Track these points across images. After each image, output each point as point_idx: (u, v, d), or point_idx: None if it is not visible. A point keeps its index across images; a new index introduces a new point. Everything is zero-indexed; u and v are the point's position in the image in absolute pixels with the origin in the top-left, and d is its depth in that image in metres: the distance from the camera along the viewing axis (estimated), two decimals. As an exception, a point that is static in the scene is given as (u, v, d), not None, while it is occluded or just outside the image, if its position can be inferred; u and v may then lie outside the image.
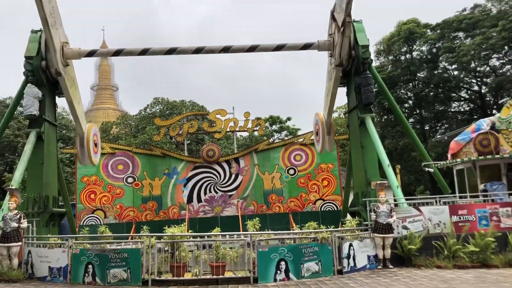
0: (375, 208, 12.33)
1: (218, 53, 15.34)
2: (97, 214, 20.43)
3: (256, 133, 26.54)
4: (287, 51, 15.82)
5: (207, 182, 21.53)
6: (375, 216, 12.24)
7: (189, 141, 37.19)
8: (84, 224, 19.87)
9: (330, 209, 21.42)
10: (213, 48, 15.18)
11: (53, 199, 15.04)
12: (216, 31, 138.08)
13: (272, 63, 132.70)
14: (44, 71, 14.49)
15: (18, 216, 11.55)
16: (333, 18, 15.20)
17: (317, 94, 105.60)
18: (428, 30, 39.67)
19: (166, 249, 11.35)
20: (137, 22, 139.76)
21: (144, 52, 15.14)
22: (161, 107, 46.17)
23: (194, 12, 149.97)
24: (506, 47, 34.53)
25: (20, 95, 15.00)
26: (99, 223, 19.82)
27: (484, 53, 34.98)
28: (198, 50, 15.16)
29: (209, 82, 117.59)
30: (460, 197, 14.74)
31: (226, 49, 15.13)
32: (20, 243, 11.50)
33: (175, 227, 11.45)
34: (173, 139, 36.00)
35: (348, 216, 16.91)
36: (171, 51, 15.16)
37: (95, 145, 17.05)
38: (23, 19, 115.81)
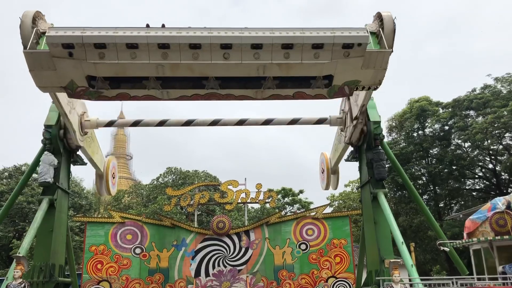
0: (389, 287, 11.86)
1: (234, 125, 15.71)
2: (102, 285, 19.90)
3: (267, 205, 26.41)
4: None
5: (216, 255, 21.07)
6: (389, 297, 11.73)
7: (199, 212, 36.93)
8: (89, 295, 19.34)
9: (343, 288, 20.61)
10: (229, 121, 15.55)
11: (59, 268, 14.80)
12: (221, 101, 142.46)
13: (279, 134, 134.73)
14: (62, 140, 14.90)
15: (22, 285, 11.31)
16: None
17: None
18: (440, 108, 40.27)
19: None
20: None
21: (161, 123, 15.56)
22: (174, 177, 46.42)
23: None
24: (518, 126, 34.71)
25: (37, 162, 15.29)
26: (103, 295, 19.28)
27: (496, 131, 35.15)
28: (215, 123, 15.53)
29: (216, 152, 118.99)
30: (479, 279, 14.12)
31: (241, 122, 15.48)
32: (21, 314, 11.17)
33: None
34: (184, 210, 35.82)
35: (361, 296, 16.24)
36: (188, 123, 15.55)
37: (113, 177, 17.89)
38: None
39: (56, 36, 9.67)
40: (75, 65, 10.07)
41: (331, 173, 17.73)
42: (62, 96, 12.81)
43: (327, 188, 18.66)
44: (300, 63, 10.14)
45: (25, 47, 9.92)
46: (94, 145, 16.42)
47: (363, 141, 15.50)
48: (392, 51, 10.41)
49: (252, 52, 9.93)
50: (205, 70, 10.30)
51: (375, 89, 11.34)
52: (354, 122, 14.17)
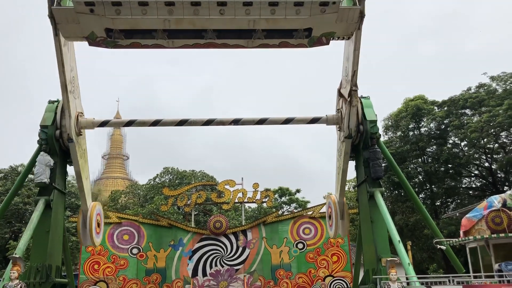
0: (386, 286, 11.89)
1: (228, 125, 15.66)
2: (99, 285, 19.90)
3: (264, 204, 26.48)
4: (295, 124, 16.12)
5: (213, 255, 21.08)
6: (386, 295, 11.76)
7: (196, 212, 36.90)
8: (86, 296, 19.34)
9: (340, 287, 20.67)
10: (223, 120, 15.52)
11: (56, 268, 14.75)
12: (216, 101, 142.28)
13: (275, 134, 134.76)
14: (58, 140, 14.83)
15: (19, 286, 11.28)
16: (339, 94, 15.70)
17: (319, 165, 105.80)
18: (435, 107, 40.36)
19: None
20: (134, 90, 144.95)
21: (155, 123, 15.50)
22: (171, 177, 46.36)
23: (194, 82, 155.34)
24: (513, 125, 34.82)
25: (33, 162, 15.22)
26: (101, 295, 19.29)
27: (492, 130, 35.26)
28: (209, 122, 15.49)
29: (213, 152, 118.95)
30: (475, 277, 14.18)
31: (236, 121, 15.46)
32: (18, 315, 11.12)
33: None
34: (181, 210, 35.80)
35: (359, 295, 16.27)
36: (182, 123, 15.51)
37: (98, 225, 16.29)
38: (37, 89, 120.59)
39: None
40: (95, 20, 11.89)
41: (340, 217, 16.41)
42: (67, 72, 13.33)
43: (335, 235, 17.46)
44: (284, 18, 12.03)
45: (52, 4, 11.66)
46: (85, 165, 15.68)
47: (360, 140, 15.52)
48: (360, 8, 12.04)
49: (243, 8, 11.76)
50: (204, 23, 12.19)
51: (348, 38, 13.04)
52: (349, 99, 14.19)
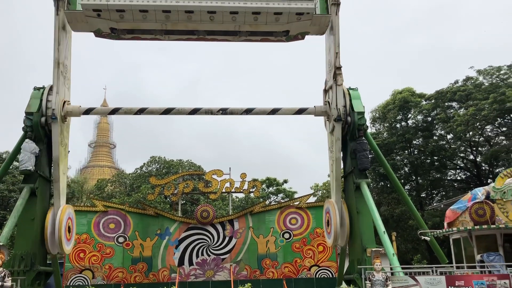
0: (370, 276, 12.02)
1: (215, 114, 15.55)
2: (85, 274, 19.83)
3: (252, 194, 26.53)
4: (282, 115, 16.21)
5: (200, 244, 21.11)
6: (370, 285, 11.89)
7: (183, 201, 36.82)
8: (71, 284, 19.27)
9: (325, 276, 20.87)
10: (210, 109, 15.45)
11: (41, 257, 14.63)
12: (204, 90, 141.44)
13: (263, 125, 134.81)
14: (43, 127, 14.62)
15: (2, 274, 11.17)
16: (325, 93, 15.89)
17: (306, 156, 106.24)
18: (423, 100, 40.63)
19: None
20: (121, 78, 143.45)
21: (141, 111, 15.37)
22: (158, 166, 46.15)
23: (181, 71, 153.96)
24: (498, 119, 35.23)
25: (17, 150, 15.01)
26: (86, 283, 19.24)
27: (477, 123, 35.64)
28: (195, 111, 15.41)
29: (200, 142, 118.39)
30: (457, 267, 14.43)
31: (223, 110, 15.43)
32: (2, 303, 11.03)
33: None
34: (168, 199, 35.70)
35: (344, 284, 16.42)
36: (168, 111, 15.41)
37: (69, 230, 14.69)
38: (24, 75, 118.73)
39: (89, 4, 13.55)
40: (101, 21, 14.02)
41: (339, 225, 14.95)
42: (61, 56, 14.08)
43: (334, 243, 15.80)
44: (265, 24, 14.25)
45: (58, 8, 13.71)
46: (65, 158, 14.86)
47: (347, 131, 15.56)
48: (330, 15, 14.22)
49: (230, 16, 13.82)
50: (196, 26, 14.39)
51: (321, 35, 15.22)
52: (334, 79, 14.41)
